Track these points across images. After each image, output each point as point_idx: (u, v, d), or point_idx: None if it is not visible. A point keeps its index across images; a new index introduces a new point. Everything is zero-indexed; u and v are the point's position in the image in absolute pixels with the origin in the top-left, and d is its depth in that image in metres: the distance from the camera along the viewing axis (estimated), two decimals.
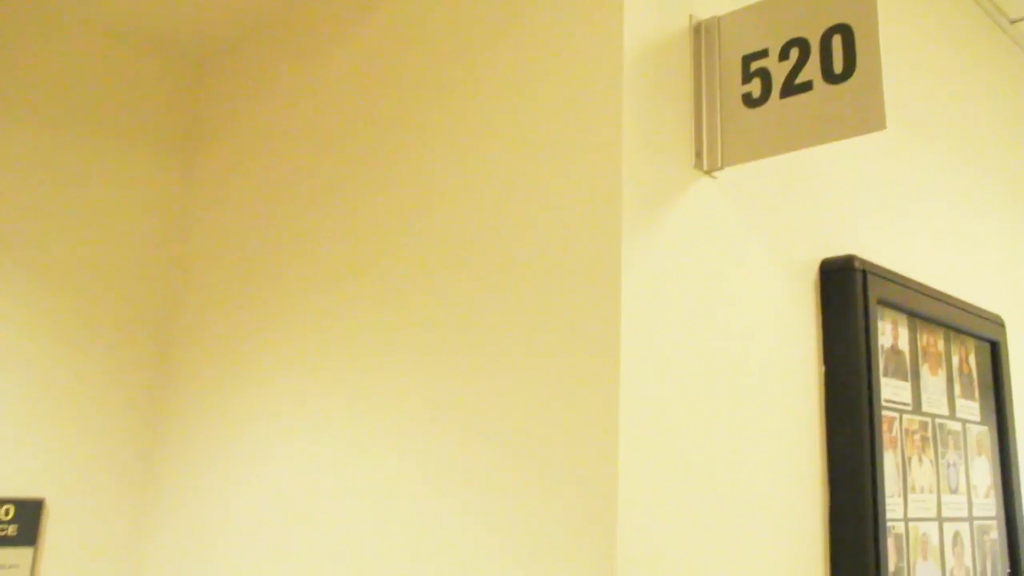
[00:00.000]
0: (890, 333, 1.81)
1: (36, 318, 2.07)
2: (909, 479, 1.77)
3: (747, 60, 1.43)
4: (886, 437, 1.72)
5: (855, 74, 1.32)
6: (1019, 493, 2.08)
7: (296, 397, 1.87)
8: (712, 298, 1.45)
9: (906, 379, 1.83)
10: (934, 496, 1.82)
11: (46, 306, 2.09)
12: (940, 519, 1.82)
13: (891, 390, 1.78)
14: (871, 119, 1.31)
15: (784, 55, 1.39)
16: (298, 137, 2.03)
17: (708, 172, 1.47)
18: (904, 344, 1.85)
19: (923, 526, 1.76)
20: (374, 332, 1.71)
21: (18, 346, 2.03)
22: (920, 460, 1.82)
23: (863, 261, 1.71)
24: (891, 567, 1.63)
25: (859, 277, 1.70)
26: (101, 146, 2.22)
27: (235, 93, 2.30)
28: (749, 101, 1.42)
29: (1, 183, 2.05)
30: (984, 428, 2.05)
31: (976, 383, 2.07)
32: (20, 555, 1.95)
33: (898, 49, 2.04)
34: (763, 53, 1.42)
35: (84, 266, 2.16)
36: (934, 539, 1.79)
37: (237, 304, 2.11)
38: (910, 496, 1.76)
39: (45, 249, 2.10)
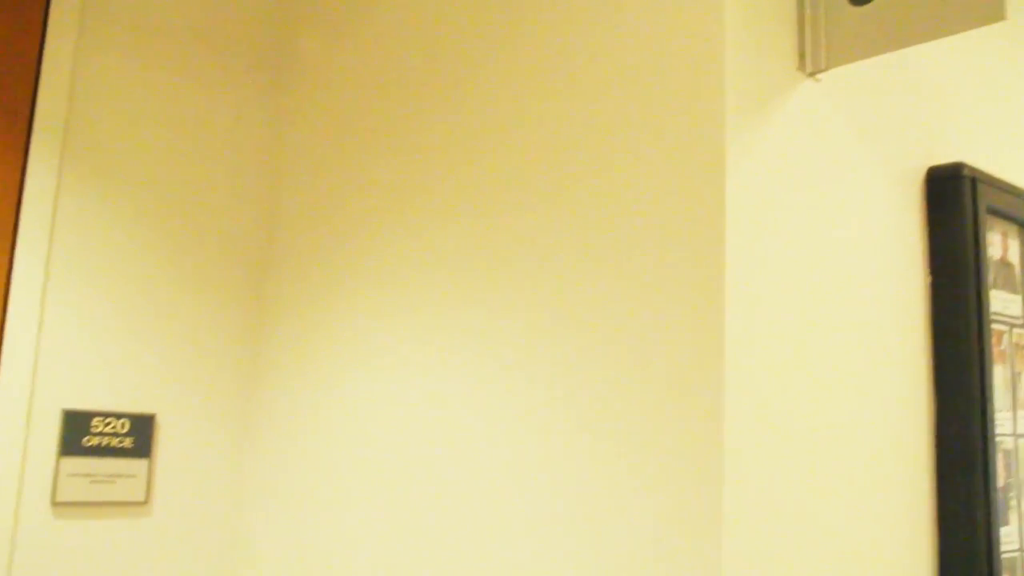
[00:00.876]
0: (999, 244, 1.74)
1: (145, 246, 2.14)
2: (1019, 394, 1.72)
3: None
4: (995, 351, 1.66)
5: None
6: None
7: (397, 318, 1.90)
8: (817, 207, 1.41)
9: (1016, 292, 1.76)
10: None
11: (154, 233, 2.15)
12: None
13: (1000, 303, 1.72)
14: (988, 9, 1.23)
15: None
16: (395, 68, 2.03)
17: (812, 74, 1.42)
18: (1015, 256, 1.78)
19: None
20: (478, 264, 1.72)
21: (131, 272, 2.11)
22: None
23: (972, 168, 1.64)
24: (1000, 482, 1.60)
25: (968, 185, 1.63)
26: (201, 74, 2.25)
27: (330, 23, 2.30)
28: None
29: (109, 119, 2.11)
30: None
31: None
32: (137, 466, 2.06)
33: None
34: None
35: (186, 192, 2.22)
36: None
37: (335, 224, 2.14)
38: (1020, 412, 1.71)
39: (150, 177, 2.16)
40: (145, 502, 2.06)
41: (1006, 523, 1.62)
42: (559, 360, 1.50)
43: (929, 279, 1.62)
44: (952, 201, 1.63)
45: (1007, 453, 1.63)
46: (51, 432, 1.97)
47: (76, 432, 1.98)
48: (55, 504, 1.95)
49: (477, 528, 1.61)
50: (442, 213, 1.81)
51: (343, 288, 2.06)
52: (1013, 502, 1.65)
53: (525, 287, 1.58)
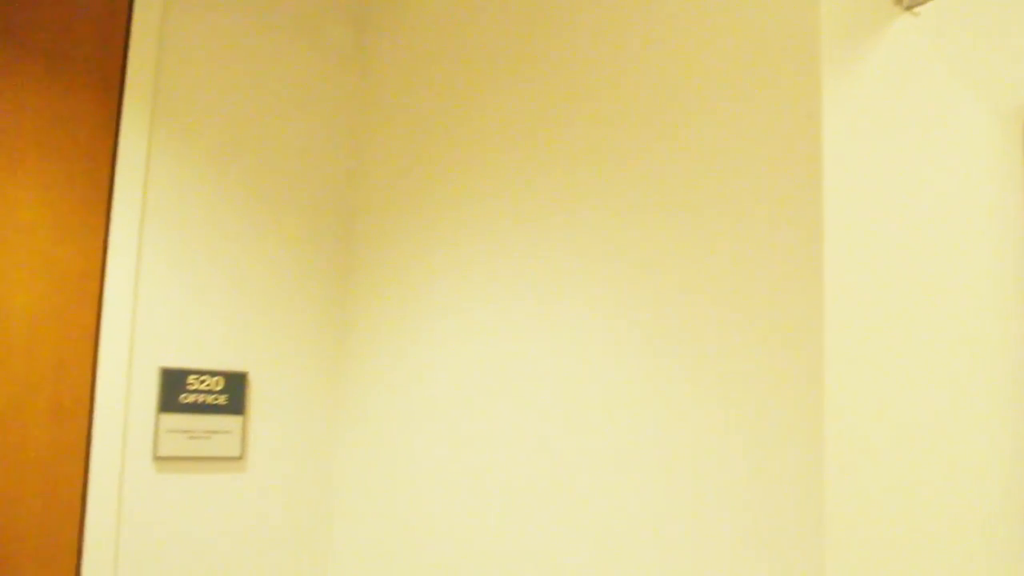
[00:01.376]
0: None
1: (235, 207, 2.18)
2: None
3: None
4: None
5: None
6: None
7: (489, 266, 1.91)
8: (914, 144, 1.37)
9: None
10: None
11: (243, 195, 2.20)
12: None
13: None
14: None
15: None
16: (488, 12, 2.02)
17: (909, 8, 1.37)
18: None
19: None
20: (568, 195, 1.71)
21: (221, 233, 2.16)
22: None
23: None
24: None
25: None
26: (285, 31, 2.28)
27: None
28: None
29: (196, 79, 2.15)
30: None
31: None
32: (232, 422, 2.12)
33: None
34: None
35: (273, 150, 2.25)
36: None
37: (423, 177, 2.15)
38: None
39: (238, 137, 2.20)
40: (240, 457, 2.12)
41: None
42: (661, 302, 1.49)
43: None
44: None
45: None
46: (150, 390, 2.04)
47: (173, 390, 2.05)
48: (156, 459, 2.02)
49: (572, 473, 1.62)
50: (543, 157, 1.80)
51: (431, 240, 2.08)
52: None
53: (627, 229, 1.58)
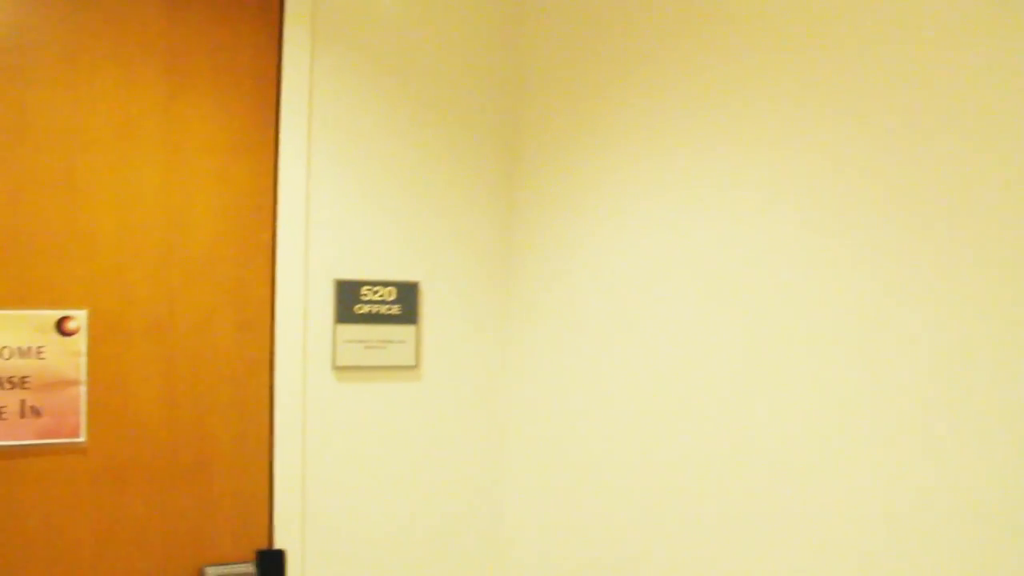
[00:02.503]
0: None
1: (399, 121, 2.15)
2: None
3: None
4: None
5: None
6: None
7: (665, 160, 1.79)
8: None
9: None
10: None
11: (407, 108, 2.15)
12: None
13: None
14: None
15: None
16: None
17: None
18: None
19: None
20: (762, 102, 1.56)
21: (387, 146, 2.13)
22: None
23: None
24: None
25: None
26: None
27: None
28: None
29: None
30: None
31: None
32: (406, 331, 2.15)
33: None
34: None
35: (434, 60, 2.18)
36: None
37: (588, 79, 2.03)
38: None
39: (398, 53, 2.14)
40: (415, 366, 2.16)
41: None
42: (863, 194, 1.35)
43: None
44: None
45: None
46: (326, 301, 2.09)
47: (348, 301, 2.09)
48: (335, 368, 2.09)
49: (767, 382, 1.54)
50: (735, 44, 1.64)
51: (599, 140, 1.97)
52: None
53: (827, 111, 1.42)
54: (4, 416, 1.86)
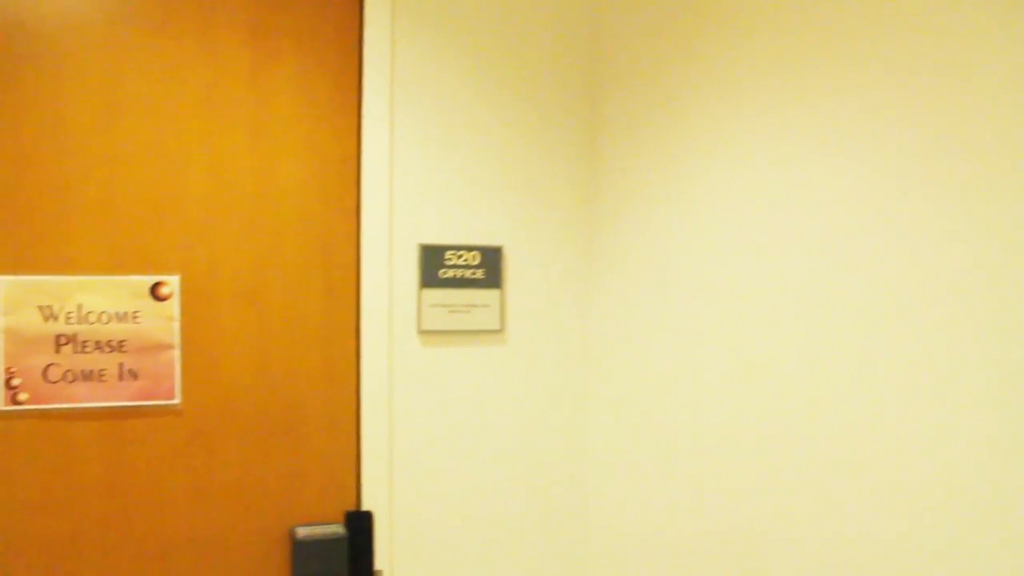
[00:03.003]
0: None
1: (480, 85, 2.13)
2: None
3: None
4: None
5: None
6: None
7: (753, 132, 1.74)
8: None
9: None
10: None
11: (487, 71, 2.14)
12: None
13: None
14: None
15: None
16: None
17: None
18: None
19: None
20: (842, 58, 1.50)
21: (468, 111, 2.12)
22: None
23: None
24: None
25: None
26: None
27: None
28: None
29: None
30: None
31: None
32: (490, 296, 2.15)
33: None
34: None
35: (515, 21, 2.15)
36: None
37: (669, 37, 1.98)
38: None
39: (477, 16, 2.12)
40: (500, 330, 2.16)
41: None
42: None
43: None
44: None
45: None
46: (411, 266, 2.09)
47: (432, 265, 2.09)
48: (420, 332, 2.10)
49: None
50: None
51: (681, 104, 1.92)
52: None
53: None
54: (104, 378, 1.91)
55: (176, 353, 1.95)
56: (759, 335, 1.70)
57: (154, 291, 1.94)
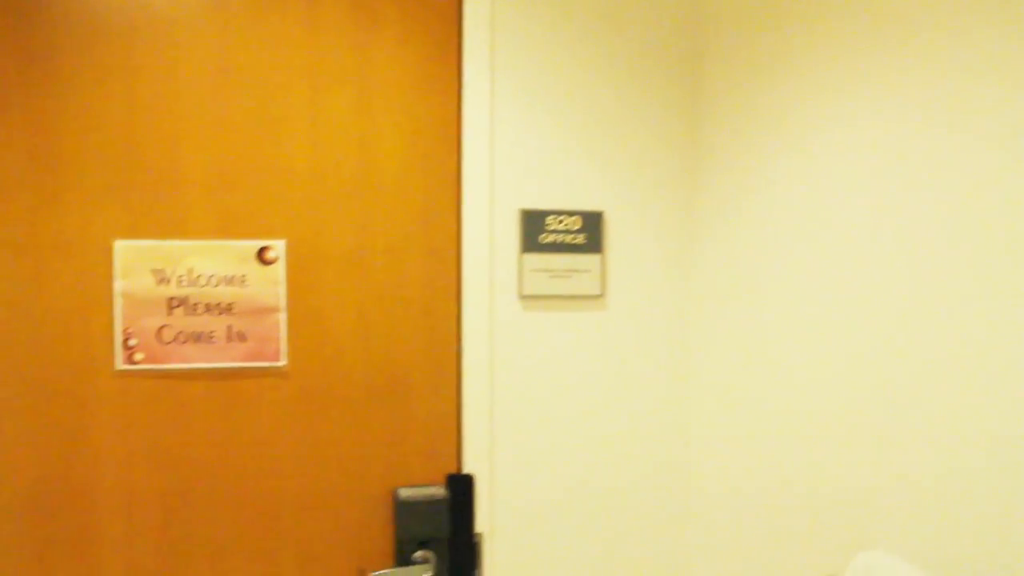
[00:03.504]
0: None
1: (580, 49, 2.10)
2: None
3: None
4: None
5: None
6: None
7: (864, 99, 1.67)
8: None
9: None
10: None
11: (586, 35, 2.10)
12: None
13: None
14: None
15: None
16: None
17: None
18: None
19: None
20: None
21: (569, 76, 2.09)
22: None
23: None
24: None
25: None
26: None
27: None
28: None
29: None
30: None
31: None
32: (590, 261, 2.13)
33: None
34: None
35: None
36: None
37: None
38: None
39: None
40: (600, 295, 2.14)
41: None
42: None
43: None
44: None
45: None
46: (511, 231, 2.08)
47: (533, 230, 2.08)
48: (521, 297, 2.10)
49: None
50: None
51: (788, 61, 1.86)
52: None
53: None
54: (214, 340, 1.96)
55: (282, 316, 1.99)
56: (870, 303, 1.64)
57: (260, 255, 1.98)
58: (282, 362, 1.99)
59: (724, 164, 2.08)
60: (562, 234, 2.09)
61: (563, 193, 2.10)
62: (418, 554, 2.02)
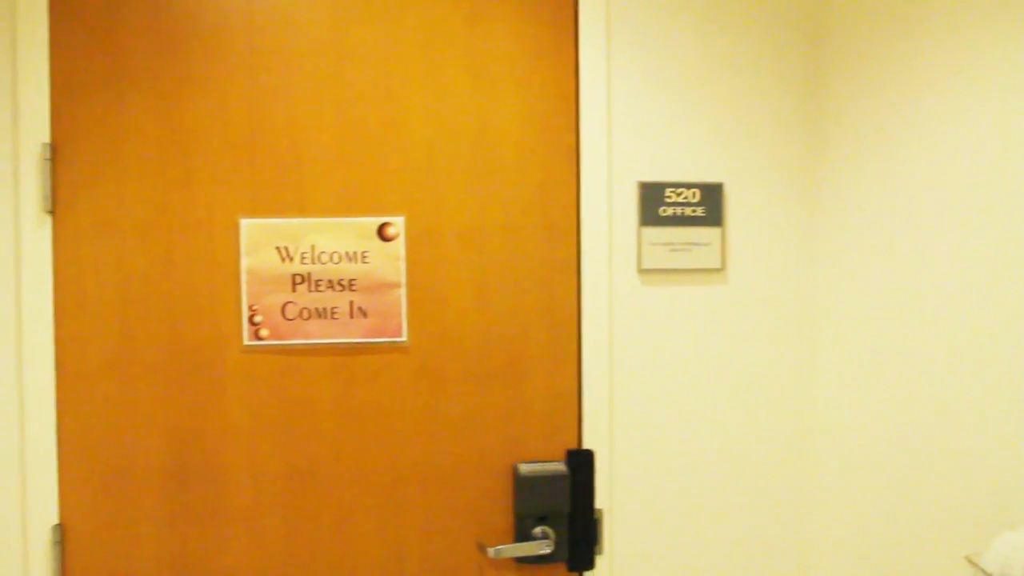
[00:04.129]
0: None
1: (698, 19, 2.05)
2: None
3: None
4: None
5: None
6: None
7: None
8: None
9: None
10: None
11: (705, 4, 2.06)
12: None
13: None
14: None
15: None
16: None
17: None
18: None
19: None
20: None
21: (688, 46, 2.05)
22: None
23: None
24: None
25: None
26: None
27: None
28: None
29: None
30: None
31: None
32: (710, 234, 2.08)
33: None
34: None
35: None
36: None
37: None
38: None
39: None
40: (721, 269, 2.09)
41: None
42: None
43: None
44: None
45: None
46: (630, 204, 2.06)
47: (652, 203, 2.05)
48: (641, 271, 2.07)
49: None
50: None
51: (928, 27, 1.78)
52: None
53: None
54: (336, 316, 1.99)
55: (402, 292, 2.01)
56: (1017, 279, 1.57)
57: (381, 232, 2.00)
58: (403, 338, 2.01)
59: (853, 138, 2.01)
60: (681, 207, 2.06)
61: (681, 165, 2.07)
62: (537, 530, 2.02)
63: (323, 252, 1.98)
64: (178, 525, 1.96)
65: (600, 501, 2.06)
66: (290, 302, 1.98)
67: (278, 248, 1.97)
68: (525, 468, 2.01)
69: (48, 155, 1.90)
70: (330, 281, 1.99)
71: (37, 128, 1.89)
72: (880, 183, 1.91)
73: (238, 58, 1.94)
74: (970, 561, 1.58)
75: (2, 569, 1.91)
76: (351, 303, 1.99)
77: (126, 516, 1.94)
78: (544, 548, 1.99)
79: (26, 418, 1.90)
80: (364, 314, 2.00)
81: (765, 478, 2.13)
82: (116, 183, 1.93)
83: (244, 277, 1.96)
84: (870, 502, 1.97)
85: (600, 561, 2.06)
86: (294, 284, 1.98)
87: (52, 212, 1.91)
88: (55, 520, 1.92)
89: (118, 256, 1.93)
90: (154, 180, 1.93)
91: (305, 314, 1.98)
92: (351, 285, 1.99)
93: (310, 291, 1.98)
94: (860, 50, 1.97)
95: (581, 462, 2.04)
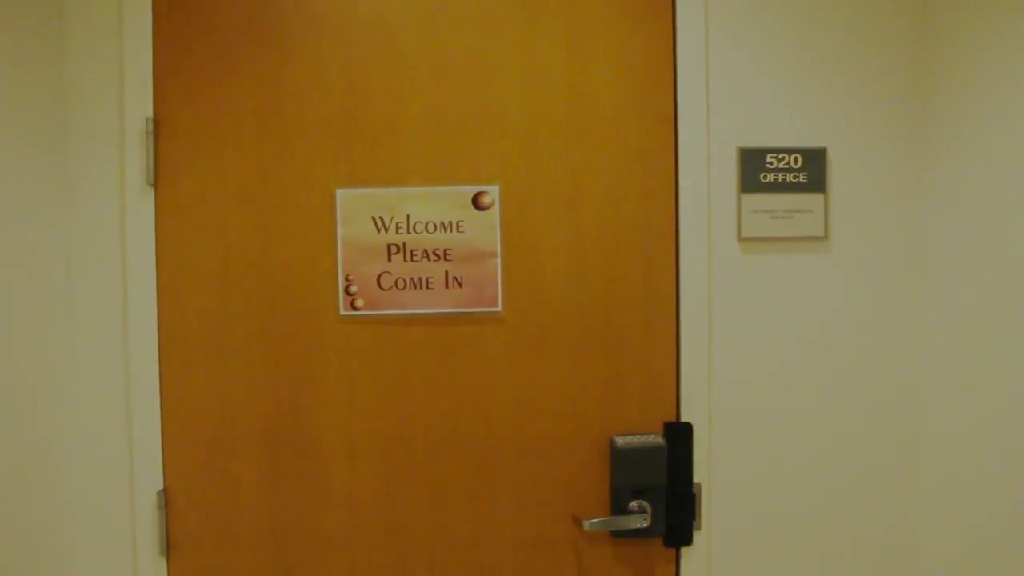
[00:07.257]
0: None
1: None
2: None
3: None
4: None
5: None
6: None
7: None
8: None
9: None
10: None
11: None
12: None
13: None
14: None
15: None
16: None
17: None
18: None
19: None
20: None
21: (790, 8, 2.00)
22: None
23: None
24: None
25: None
26: None
27: None
28: None
29: None
30: None
31: None
32: (813, 200, 2.02)
33: None
34: None
35: None
36: None
37: None
38: None
39: None
40: (824, 237, 2.03)
41: None
42: None
43: None
44: None
45: None
46: (729, 171, 2.01)
47: (752, 169, 1.99)
48: (740, 239, 2.02)
49: None
50: None
51: None
52: None
53: None
54: (431, 286, 1.99)
55: (498, 261, 1.99)
56: None
57: (476, 201, 1.99)
58: (498, 308, 2.00)
59: (969, 101, 1.92)
60: (783, 172, 2.00)
61: (783, 130, 2.00)
62: (634, 504, 1.98)
63: (418, 222, 1.98)
64: (276, 492, 1.98)
65: (698, 476, 2.02)
66: (385, 272, 1.98)
67: (373, 218, 1.97)
68: (622, 441, 1.98)
69: (151, 129, 1.93)
70: (425, 251, 1.98)
71: (141, 102, 1.93)
72: (998, 151, 1.82)
73: (334, 29, 1.95)
74: None
75: (113, 531, 1.95)
76: (446, 273, 1.99)
77: (226, 482, 1.97)
78: (641, 522, 1.96)
79: (132, 387, 1.94)
80: (459, 284, 1.99)
81: (869, 458, 2.06)
82: (215, 157, 1.95)
83: (340, 247, 1.97)
84: (979, 488, 1.88)
85: (698, 537, 2.02)
86: (389, 254, 1.98)
87: (155, 185, 1.95)
88: (160, 486, 1.96)
89: (217, 228, 1.96)
90: (252, 153, 1.96)
91: (400, 284, 1.98)
92: (446, 255, 1.99)
93: (405, 261, 1.98)
94: (974, 17, 1.88)
95: (679, 435, 2.00)
